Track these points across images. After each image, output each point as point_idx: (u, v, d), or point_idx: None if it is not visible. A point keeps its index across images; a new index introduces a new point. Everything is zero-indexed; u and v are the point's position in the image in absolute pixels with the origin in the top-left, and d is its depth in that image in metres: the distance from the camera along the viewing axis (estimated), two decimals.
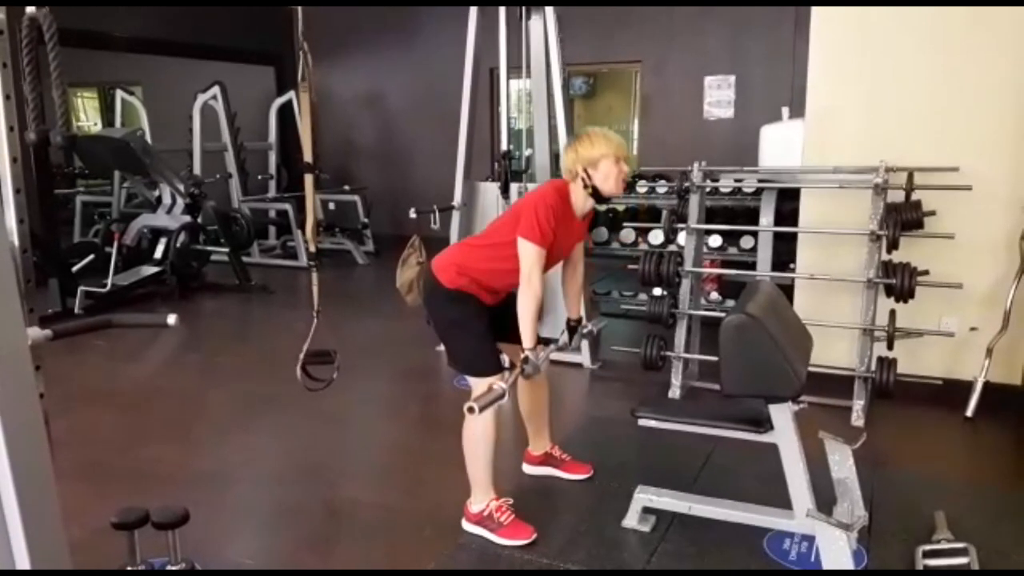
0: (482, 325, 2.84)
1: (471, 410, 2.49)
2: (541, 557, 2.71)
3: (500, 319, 2.92)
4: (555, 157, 5.06)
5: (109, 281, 6.44)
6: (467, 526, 2.90)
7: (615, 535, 2.84)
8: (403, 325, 5.60)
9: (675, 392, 4.30)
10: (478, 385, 2.83)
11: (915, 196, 3.90)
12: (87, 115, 12.17)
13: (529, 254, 2.74)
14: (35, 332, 1.62)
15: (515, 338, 3.04)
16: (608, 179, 2.82)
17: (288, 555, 2.86)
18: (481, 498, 2.88)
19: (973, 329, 4.05)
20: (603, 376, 4.73)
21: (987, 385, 3.93)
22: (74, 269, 6.58)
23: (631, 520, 2.87)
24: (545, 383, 3.26)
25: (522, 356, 2.75)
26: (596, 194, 2.85)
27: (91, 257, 6.78)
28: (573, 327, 3.20)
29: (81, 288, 6.32)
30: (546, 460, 3.35)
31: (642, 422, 2.79)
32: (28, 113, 2.04)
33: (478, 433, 2.83)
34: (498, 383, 2.60)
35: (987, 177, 3.86)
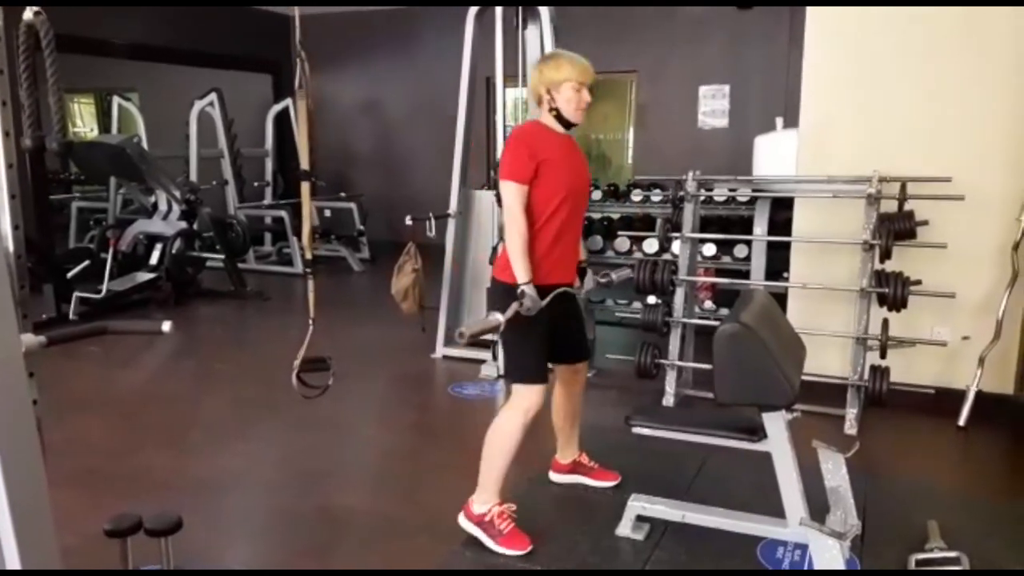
0: (538, 331, 2.74)
1: (461, 335, 2.43)
2: (534, 564, 2.71)
3: (560, 337, 2.88)
4: None
5: (104, 287, 6.43)
6: (464, 523, 2.86)
7: (609, 543, 2.84)
8: (398, 332, 5.60)
9: (669, 400, 4.31)
10: (518, 392, 2.79)
11: (908, 206, 3.92)
12: (84, 121, 12.17)
13: (508, 193, 2.70)
14: (29, 338, 1.62)
15: (567, 358, 3.07)
16: (569, 104, 2.77)
17: (283, 563, 2.85)
18: (486, 499, 2.82)
19: (965, 338, 4.07)
20: (597, 384, 4.73)
21: (979, 394, 3.94)
22: (69, 275, 6.56)
23: (625, 528, 2.87)
24: (581, 392, 3.23)
25: (519, 291, 2.65)
26: (560, 118, 2.80)
27: (86, 263, 6.76)
28: (582, 269, 3.08)
29: (76, 294, 6.31)
30: (575, 468, 3.32)
31: (636, 430, 2.79)
32: (24, 119, 2.05)
33: (509, 438, 2.78)
34: (495, 315, 2.52)
35: (979, 187, 3.88)
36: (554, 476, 3.35)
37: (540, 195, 2.73)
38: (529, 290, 2.65)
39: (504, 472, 2.82)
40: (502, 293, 2.77)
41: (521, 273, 2.67)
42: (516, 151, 2.72)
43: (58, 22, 2.13)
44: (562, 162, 2.77)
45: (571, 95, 2.76)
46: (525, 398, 2.77)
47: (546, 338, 2.80)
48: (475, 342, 5.18)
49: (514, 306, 2.59)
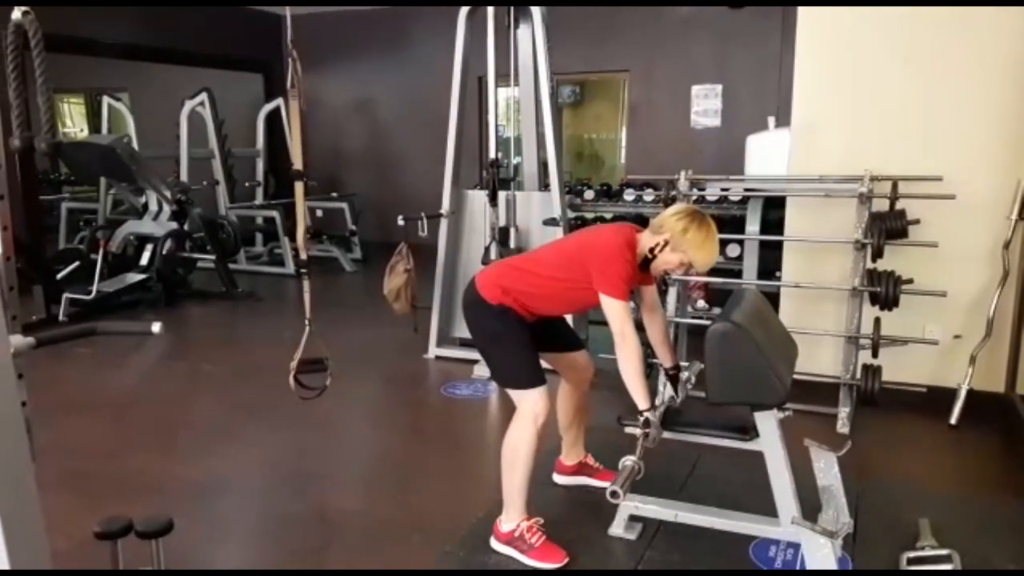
0: (523, 336, 2.73)
1: (615, 495, 2.44)
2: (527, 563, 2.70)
3: (542, 329, 2.86)
4: (543, 165, 5.08)
5: (94, 288, 6.39)
6: (496, 546, 2.78)
7: (602, 543, 2.84)
8: (390, 333, 5.59)
9: (662, 399, 4.30)
10: (521, 399, 2.72)
11: (899, 205, 3.93)
12: (73, 121, 12.11)
13: (618, 311, 2.63)
14: (18, 340, 1.60)
15: (557, 347, 3.02)
16: (664, 266, 2.74)
17: (275, 565, 2.84)
18: (514, 516, 2.75)
19: (957, 337, 4.08)
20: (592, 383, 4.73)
21: (971, 393, 3.95)
22: (59, 276, 6.53)
23: (617, 528, 2.87)
24: (587, 391, 3.19)
25: (641, 419, 2.62)
26: (647, 262, 2.74)
27: (76, 264, 6.73)
28: (674, 376, 3.03)
29: (66, 295, 6.27)
30: (580, 469, 3.29)
31: (629, 430, 2.79)
32: (13, 119, 2.04)
33: (522, 448, 2.70)
34: (631, 458, 2.52)
35: (970, 187, 3.89)
36: (558, 478, 3.31)
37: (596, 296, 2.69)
38: (653, 418, 2.61)
39: (526, 485, 2.74)
40: (484, 311, 2.76)
41: (642, 399, 2.62)
42: (627, 272, 2.65)
43: (47, 22, 2.11)
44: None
45: (674, 265, 2.74)
46: (529, 404, 2.70)
47: (531, 341, 2.76)
48: (466, 342, 5.20)
49: (640, 441, 2.56)
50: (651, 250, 2.71)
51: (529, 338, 2.76)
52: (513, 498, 2.76)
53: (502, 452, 2.78)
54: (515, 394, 2.75)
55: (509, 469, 2.75)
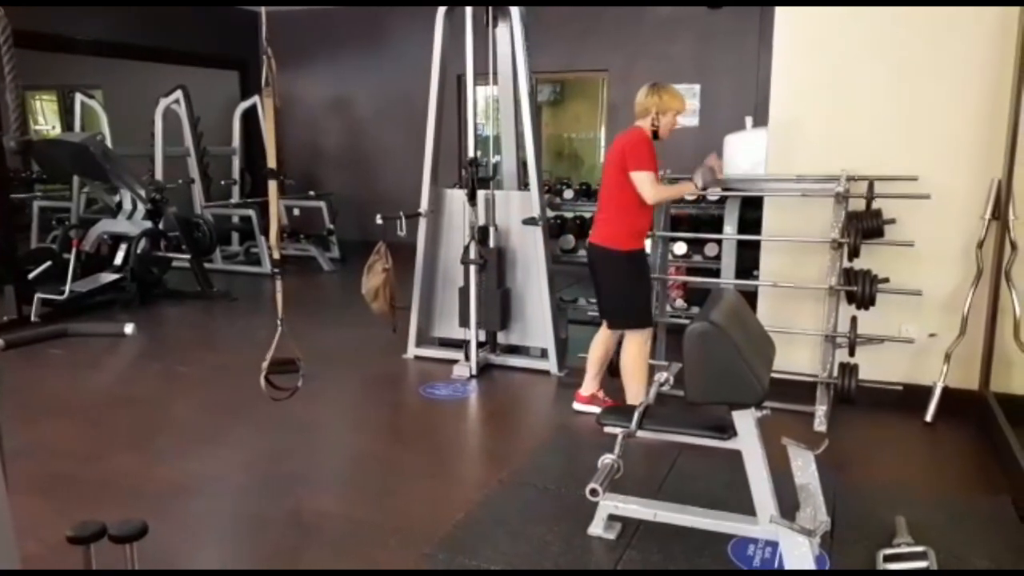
0: (649, 282, 3.94)
1: (594, 493, 2.52)
2: (507, 565, 2.70)
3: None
4: (522, 164, 5.07)
5: (67, 288, 6.30)
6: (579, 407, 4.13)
7: (581, 543, 2.84)
8: (369, 332, 5.56)
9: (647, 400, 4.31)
10: (637, 331, 3.84)
11: (875, 204, 3.97)
12: (46, 118, 11.94)
13: (646, 180, 3.59)
14: None
15: None
16: (667, 127, 3.70)
17: (251, 568, 2.81)
18: (638, 394, 3.62)
19: (932, 335, 4.12)
20: (570, 383, 4.72)
21: (946, 390, 4.00)
22: (31, 276, 6.43)
23: (597, 528, 2.87)
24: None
25: (697, 183, 3.84)
26: (655, 133, 3.70)
27: (48, 264, 6.62)
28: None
29: (38, 295, 6.17)
30: (592, 400, 4.11)
31: (608, 429, 2.79)
32: None
33: (640, 355, 3.86)
34: (610, 456, 2.65)
35: (945, 187, 3.94)
36: (577, 405, 4.18)
37: None
38: (699, 180, 3.85)
39: (644, 383, 3.78)
40: (622, 261, 3.75)
41: (685, 188, 3.98)
42: (652, 153, 3.65)
43: (19, 18, 2.07)
44: None
45: (672, 121, 3.73)
46: (641, 334, 3.85)
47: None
48: (447, 342, 5.19)
49: (619, 442, 2.70)
50: (652, 126, 3.67)
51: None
52: (637, 391, 3.79)
53: (624, 365, 3.93)
54: (633, 334, 3.86)
55: (633, 373, 3.88)
